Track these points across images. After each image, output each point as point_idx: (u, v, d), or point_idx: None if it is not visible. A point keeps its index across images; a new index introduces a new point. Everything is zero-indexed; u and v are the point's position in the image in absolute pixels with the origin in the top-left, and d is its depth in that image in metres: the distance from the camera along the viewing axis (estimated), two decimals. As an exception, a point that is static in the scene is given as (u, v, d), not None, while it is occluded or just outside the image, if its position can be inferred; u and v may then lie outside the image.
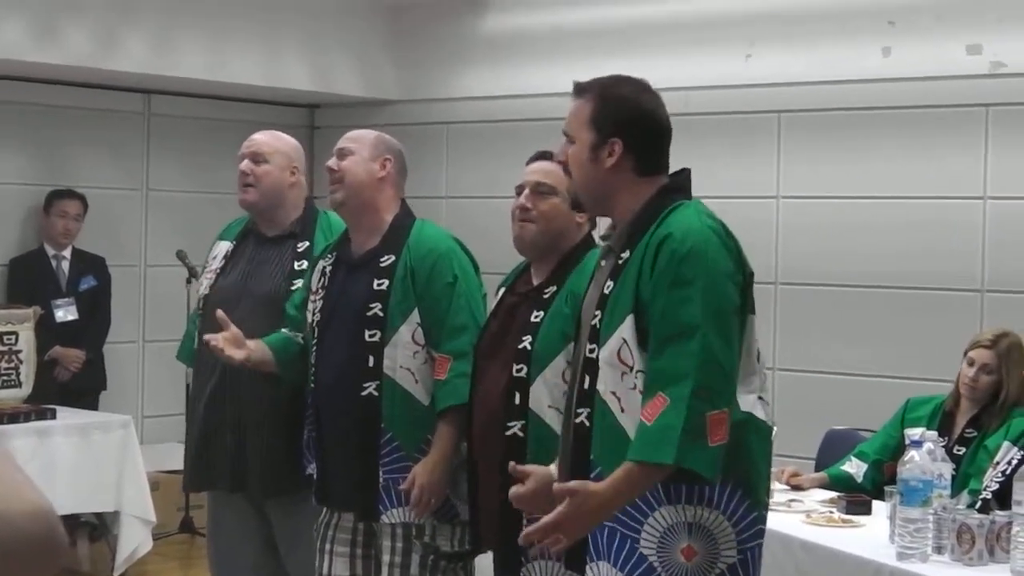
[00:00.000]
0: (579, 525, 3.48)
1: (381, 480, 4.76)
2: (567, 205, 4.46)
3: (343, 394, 4.78)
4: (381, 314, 4.77)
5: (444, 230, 5.01)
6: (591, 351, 3.66)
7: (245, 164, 5.44)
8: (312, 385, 4.91)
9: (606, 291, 3.65)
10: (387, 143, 5.05)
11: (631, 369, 3.56)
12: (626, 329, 3.56)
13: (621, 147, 3.67)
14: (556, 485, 3.54)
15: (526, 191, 4.52)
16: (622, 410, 3.57)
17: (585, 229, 4.56)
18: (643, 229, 3.62)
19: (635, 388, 3.55)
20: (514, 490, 3.77)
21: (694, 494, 3.55)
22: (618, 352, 3.57)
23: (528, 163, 4.63)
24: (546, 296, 4.42)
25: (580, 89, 3.78)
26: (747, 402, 3.63)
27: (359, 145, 4.99)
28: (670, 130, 3.77)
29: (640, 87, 3.79)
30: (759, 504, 3.65)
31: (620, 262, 3.65)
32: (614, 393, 3.58)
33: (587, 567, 3.71)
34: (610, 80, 3.79)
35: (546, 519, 3.46)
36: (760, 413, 3.69)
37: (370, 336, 4.76)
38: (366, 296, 4.80)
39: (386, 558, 4.79)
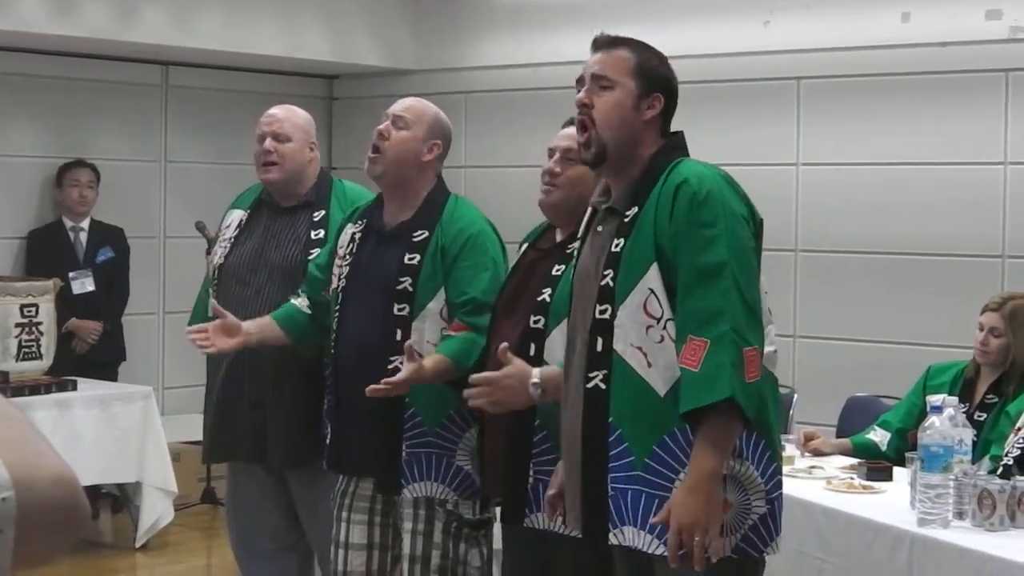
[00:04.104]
0: (696, 509, 3.48)
1: (404, 455, 4.75)
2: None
3: (368, 366, 4.72)
4: (411, 289, 4.74)
5: (478, 210, 4.96)
6: (602, 311, 3.67)
7: (269, 143, 5.42)
8: (332, 351, 4.89)
9: (616, 249, 3.67)
10: (442, 126, 4.98)
11: (658, 320, 3.58)
12: (652, 280, 3.59)
13: (661, 103, 3.78)
14: (654, 520, 3.57)
15: (556, 155, 4.50)
16: (648, 365, 3.58)
17: None
18: (648, 186, 3.67)
19: (663, 340, 3.56)
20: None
21: None
22: (644, 304, 3.59)
23: (563, 127, 4.60)
24: (569, 251, 4.42)
25: (613, 41, 3.85)
26: (766, 353, 3.64)
27: (417, 121, 4.91)
28: None
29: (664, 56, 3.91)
30: (777, 454, 3.69)
31: (627, 219, 3.68)
32: (640, 348, 3.59)
33: (610, 534, 3.69)
34: (640, 41, 3.89)
35: (670, 540, 3.49)
36: (772, 365, 3.69)
37: (399, 310, 4.73)
38: (397, 270, 4.77)
39: (408, 525, 4.79)
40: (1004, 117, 7.76)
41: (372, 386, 4.58)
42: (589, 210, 3.93)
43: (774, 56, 8.49)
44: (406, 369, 4.54)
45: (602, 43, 3.85)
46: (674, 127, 3.87)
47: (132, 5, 8.68)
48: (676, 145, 3.81)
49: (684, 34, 8.66)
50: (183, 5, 8.93)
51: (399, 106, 4.95)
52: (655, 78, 3.79)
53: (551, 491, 4.04)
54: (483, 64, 9.87)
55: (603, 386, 3.66)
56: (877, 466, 5.56)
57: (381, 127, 4.88)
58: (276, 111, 5.55)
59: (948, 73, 7.94)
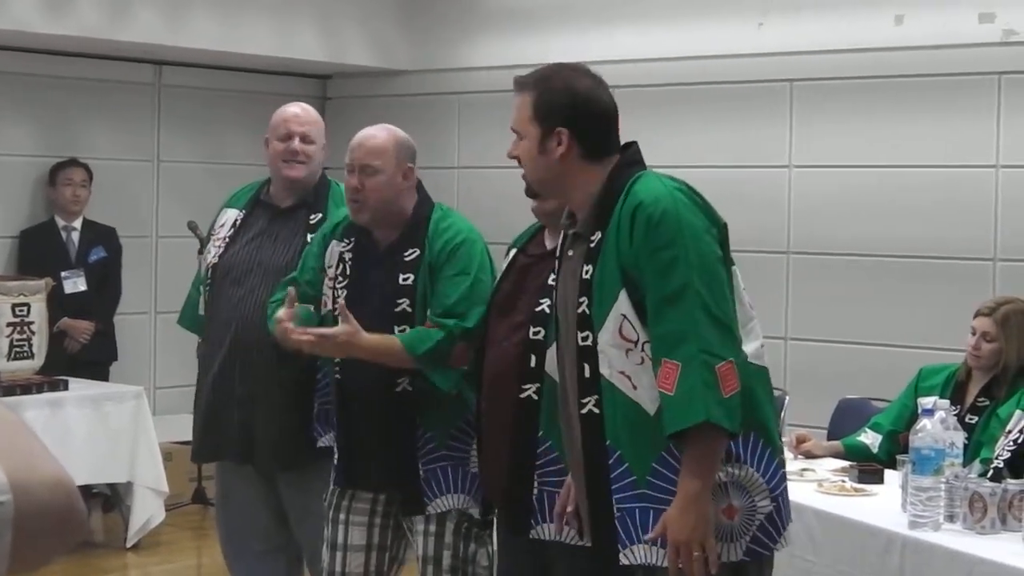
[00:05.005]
0: (688, 527, 3.52)
1: (422, 473, 4.75)
2: None
3: (376, 389, 4.75)
4: (409, 310, 4.74)
5: (462, 218, 4.94)
6: (584, 339, 3.69)
7: (298, 144, 5.43)
8: (338, 376, 4.88)
9: (586, 276, 3.69)
10: (407, 147, 4.92)
11: (636, 344, 3.61)
12: (622, 305, 3.61)
13: (568, 135, 3.75)
14: (649, 536, 3.61)
15: None
16: (634, 387, 3.61)
17: None
18: (609, 208, 3.68)
19: (643, 362, 3.59)
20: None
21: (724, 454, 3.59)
22: (619, 330, 3.62)
23: None
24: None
25: (520, 84, 3.85)
26: (751, 350, 3.66)
27: (383, 160, 4.83)
28: (615, 110, 3.84)
29: (579, 72, 3.86)
30: (778, 449, 3.73)
31: (592, 245, 3.69)
32: (623, 372, 3.62)
33: (620, 555, 3.69)
34: (548, 70, 3.87)
35: (668, 556, 3.55)
36: (760, 359, 3.71)
37: (400, 332, 4.73)
38: (394, 292, 4.76)
39: (421, 527, 4.80)
40: (996, 120, 7.77)
41: (293, 331, 4.66)
42: (561, 233, 3.93)
43: (767, 58, 8.49)
44: (339, 327, 4.61)
45: (514, 88, 3.86)
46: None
47: (125, 4, 8.68)
48: (630, 160, 3.79)
49: (677, 35, 8.66)
50: (176, 4, 8.92)
51: (360, 152, 4.86)
52: (551, 115, 3.75)
53: (568, 508, 4.03)
54: (476, 65, 9.86)
55: (596, 411, 3.69)
56: (868, 468, 5.57)
57: (354, 182, 4.81)
58: (296, 110, 5.54)
59: (941, 76, 7.95)
